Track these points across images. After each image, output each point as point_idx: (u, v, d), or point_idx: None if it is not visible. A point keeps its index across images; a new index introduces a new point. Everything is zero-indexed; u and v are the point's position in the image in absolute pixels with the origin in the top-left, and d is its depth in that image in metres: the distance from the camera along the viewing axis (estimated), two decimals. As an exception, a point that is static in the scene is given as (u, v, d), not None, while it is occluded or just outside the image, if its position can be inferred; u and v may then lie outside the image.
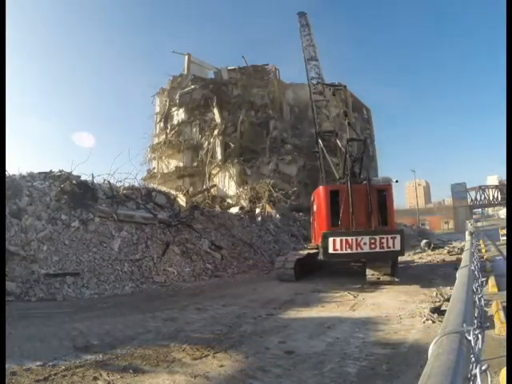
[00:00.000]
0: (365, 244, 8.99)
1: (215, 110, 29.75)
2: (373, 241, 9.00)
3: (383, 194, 10.18)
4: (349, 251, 9.11)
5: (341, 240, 9.15)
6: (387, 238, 9.02)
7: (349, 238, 9.11)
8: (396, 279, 9.42)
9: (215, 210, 20.21)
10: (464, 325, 1.60)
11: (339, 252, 9.17)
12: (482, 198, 44.96)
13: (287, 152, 27.59)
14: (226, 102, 30.33)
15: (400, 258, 15.63)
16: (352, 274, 11.19)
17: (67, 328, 6.01)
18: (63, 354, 4.76)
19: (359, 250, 9.06)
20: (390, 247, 9.00)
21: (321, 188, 10.81)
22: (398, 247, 9.08)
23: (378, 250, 8.97)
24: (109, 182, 14.51)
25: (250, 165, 27.11)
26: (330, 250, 9.24)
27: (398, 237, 9.15)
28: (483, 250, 15.35)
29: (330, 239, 9.25)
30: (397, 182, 10.97)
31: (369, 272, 9.49)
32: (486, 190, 45.83)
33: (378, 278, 9.31)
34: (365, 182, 10.43)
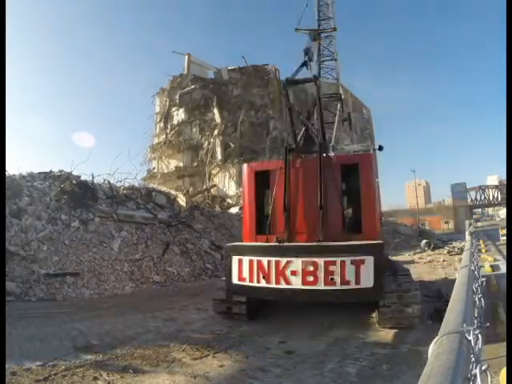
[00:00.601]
0: (294, 274, 4.81)
1: (215, 110, 29.79)
2: (311, 268, 4.73)
3: (354, 172, 5.65)
4: (263, 285, 5.05)
5: (250, 262, 5.15)
6: (343, 264, 4.64)
7: (263, 260, 5.06)
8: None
9: (215, 209, 20.22)
10: (464, 325, 1.60)
11: (247, 284, 5.22)
12: (482, 197, 44.97)
13: (287, 152, 27.56)
14: (226, 102, 30.36)
15: (400, 258, 15.57)
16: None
17: (67, 328, 6.01)
18: (63, 353, 4.77)
19: (284, 285, 4.90)
20: (348, 282, 4.63)
21: (244, 168, 6.66)
22: (367, 282, 4.65)
23: (322, 286, 4.71)
24: (109, 181, 14.54)
25: (250, 165, 27.11)
26: (235, 279, 5.37)
27: (370, 260, 4.65)
28: (483, 250, 15.34)
29: (234, 259, 5.39)
30: (380, 149, 6.86)
31: (381, 313, 5.20)
32: (486, 190, 45.84)
33: (398, 323, 5.18)
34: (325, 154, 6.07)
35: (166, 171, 31.48)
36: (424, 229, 38.80)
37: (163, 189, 20.41)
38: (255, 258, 5.23)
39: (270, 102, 30.79)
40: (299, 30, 10.72)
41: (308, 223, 5.66)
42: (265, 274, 5.10)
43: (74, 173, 13.59)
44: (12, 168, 14.88)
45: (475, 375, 1.22)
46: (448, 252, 16.38)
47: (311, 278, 4.80)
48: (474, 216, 45.59)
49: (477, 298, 2.46)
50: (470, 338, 1.44)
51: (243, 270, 5.28)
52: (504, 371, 2.71)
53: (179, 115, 32.48)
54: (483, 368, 1.22)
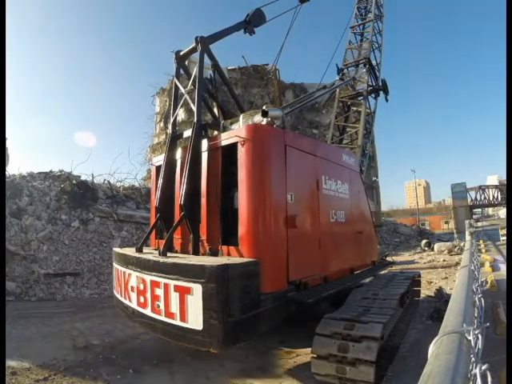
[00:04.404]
0: (132, 291, 4.04)
1: (215, 110, 29.78)
2: (141, 286, 3.82)
3: (233, 158, 4.00)
4: (122, 299, 4.40)
5: (116, 271, 4.64)
6: (166, 288, 3.42)
7: (121, 271, 4.39)
8: None
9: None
10: (464, 325, 1.60)
11: (118, 297, 4.60)
12: (482, 198, 44.90)
13: (287, 152, 27.54)
14: (226, 102, 30.39)
15: (400, 259, 15.58)
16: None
17: (67, 328, 6.01)
18: (63, 354, 4.77)
19: (128, 302, 4.18)
20: (172, 316, 3.35)
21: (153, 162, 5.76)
22: (194, 322, 3.15)
23: (150, 313, 3.68)
24: (109, 181, 14.58)
25: (249, 165, 27.07)
26: (115, 292, 4.77)
27: (198, 290, 3.11)
28: (483, 251, 15.34)
29: (114, 267, 4.80)
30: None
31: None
32: (486, 190, 45.76)
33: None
34: (216, 133, 4.90)
35: (165, 171, 31.45)
36: (424, 229, 38.84)
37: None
38: (116, 267, 4.62)
39: (270, 102, 30.80)
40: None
41: (181, 228, 4.44)
42: (121, 288, 4.37)
43: (74, 173, 13.63)
44: (12, 168, 14.90)
45: (475, 375, 1.22)
46: (449, 252, 16.40)
47: (142, 299, 3.81)
48: (474, 216, 45.57)
49: (477, 298, 2.45)
50: (469, 337, 1.44)
51: (118, 283, 4.59)
52: (504, 371, 2.71)
53: (179, 115, 32.49)
54: (483, 368, 1.22)
